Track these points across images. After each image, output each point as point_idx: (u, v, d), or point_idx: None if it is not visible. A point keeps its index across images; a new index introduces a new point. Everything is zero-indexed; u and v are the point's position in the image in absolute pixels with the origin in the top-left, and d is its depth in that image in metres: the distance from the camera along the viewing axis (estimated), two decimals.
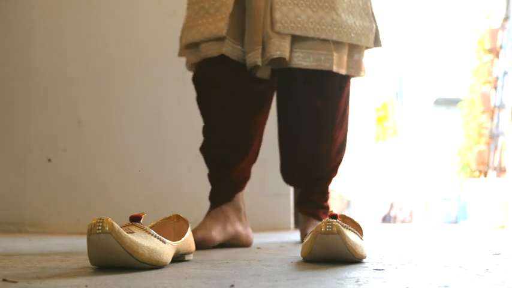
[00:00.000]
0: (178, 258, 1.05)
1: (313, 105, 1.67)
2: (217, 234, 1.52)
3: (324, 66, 1.55)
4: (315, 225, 1.48)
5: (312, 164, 1.73)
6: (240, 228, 1.60)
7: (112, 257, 0.85)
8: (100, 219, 0.84)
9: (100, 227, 0.83)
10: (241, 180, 1.66)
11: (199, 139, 1.64)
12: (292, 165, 1.78)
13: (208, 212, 1.61)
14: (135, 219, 0.96)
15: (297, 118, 1.71)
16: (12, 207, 2.59)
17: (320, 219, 1.71)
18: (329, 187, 1.82)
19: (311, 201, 1.79)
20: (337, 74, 1.62)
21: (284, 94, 1.72)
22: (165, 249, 0.93)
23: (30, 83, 2.69)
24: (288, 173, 1.80)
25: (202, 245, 1.44)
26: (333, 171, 1.78)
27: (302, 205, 1.81)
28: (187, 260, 1.08)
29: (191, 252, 1.10)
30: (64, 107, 2.68)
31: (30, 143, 2.65)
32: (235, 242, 1.58)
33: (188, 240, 1.06)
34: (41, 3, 2.74)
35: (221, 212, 1.60)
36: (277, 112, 1.76)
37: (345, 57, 1.60)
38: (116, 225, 0.85)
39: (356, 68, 1.67)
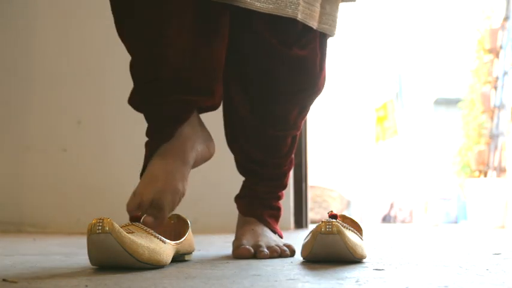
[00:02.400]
0: (178, 258, 1.05)
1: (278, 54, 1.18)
2: (183, 184, 1.14)
3: (285, 11, 1.11)
4: (252, 233, 1.19)
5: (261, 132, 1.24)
6: (200, 148, 1.21)
7: (112, 257, 0.85)
8: (100, 219, 0.84)
9: (100, 227, 0.83)
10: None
11: None
12: (235, 138, 1.29)
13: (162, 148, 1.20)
14: (135, 219, 0.96)
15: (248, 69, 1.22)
16: (12, 207, 2.59)
17: (266, 223, 1.23)
18: (284, 178, 1.30)
19: (254, 192, 1.27)
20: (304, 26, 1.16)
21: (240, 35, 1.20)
22: (165, 249, 0.94)
23: (30, 83, 2.68)
24: (233, 149, 1.31)
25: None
26: (289, 153, 1.28)
27: (241, 200, 1.28)
28: (187, 260, 1.08)
29: (191, 252, 1.10)
30: (64, 107, 2.67)
31: (30, 143, 2.65)
32: (200, 163, 1.24)
33: (188, 240, 1.06)
34: (41, 3, 2.74)
35: (175, 149, 1.19)
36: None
37: (317, 7, 1.17)
38: (116, 225, 0.85)
39: (330, 24, 1.22)
